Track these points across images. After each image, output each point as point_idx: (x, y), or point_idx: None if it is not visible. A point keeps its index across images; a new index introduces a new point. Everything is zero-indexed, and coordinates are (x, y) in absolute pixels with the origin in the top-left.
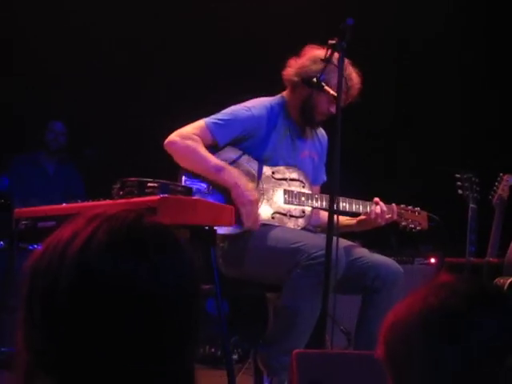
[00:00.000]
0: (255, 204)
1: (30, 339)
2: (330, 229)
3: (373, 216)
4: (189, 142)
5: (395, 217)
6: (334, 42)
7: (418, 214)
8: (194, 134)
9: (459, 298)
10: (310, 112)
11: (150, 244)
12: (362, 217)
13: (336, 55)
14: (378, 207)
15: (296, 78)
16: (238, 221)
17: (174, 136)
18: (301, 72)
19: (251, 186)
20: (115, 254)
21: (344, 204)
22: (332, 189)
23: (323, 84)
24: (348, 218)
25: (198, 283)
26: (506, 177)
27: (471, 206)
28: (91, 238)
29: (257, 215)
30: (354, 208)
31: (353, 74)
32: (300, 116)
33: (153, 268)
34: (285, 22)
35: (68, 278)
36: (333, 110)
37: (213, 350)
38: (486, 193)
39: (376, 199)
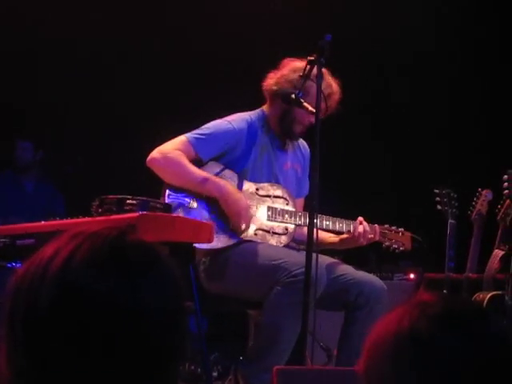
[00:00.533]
0: (248, 211)
1: (12, 358)
2: (310, 246)
3: (356, 235)
4: (171, 156)
5: (377, 237)
6: (312, 58)
7: (402, 234)
8: (177, 149)
9: (429, 321)
10: (290, 124)
11: (133, 261)
12: (345, 235)
13: (315, 71)
14: (361, 226)
15: (275, 89)
16: (230, 230)
17: (155, 153)
18: (280, 82)
19: (239, 193)
20: (97, 272)
21: (327, 222)
22: (311, 205)
23: (301, 100)
24: (332, 235)
25: (181, 300)
26: (484, 192)
27: (450, 221)
28: (73, 255)
29: (249, 221)
30: (337, 227)
31: (332, 84)
32: (280, 128)
33: (135, 285)
34: (265, 38)
35: (49, 295)
36: (313, 120)
37: (193, 367)
38: (466, 208)
39: (360, 218)
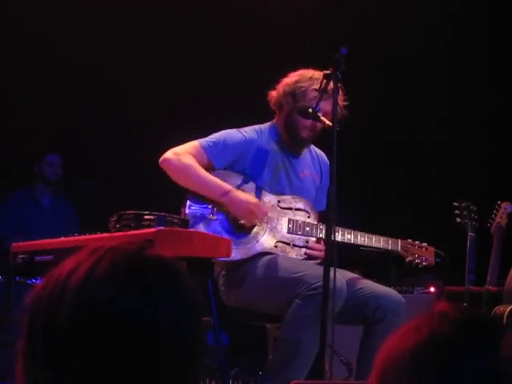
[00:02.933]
0: (259, 204)
1: (30, 369)
2: (328, 259)
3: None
4: (184, 159)
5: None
6: (328, 72)
7: (426, 249)
8: (190, 153)
9: (450, 324)
10: (295, 129)
11: (151, 276)
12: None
13: (331, 85)
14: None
15: (279, 97)
16: (249, 242)
17: (169, 154)
18: (285, 89)
19: (248, 195)
20: (116, 286)
21: (349, 236)
22: (328, 219)
23: (319, 114)
24: None
25: (199, 316)
26: (503, 204)
27: (470, 234)
28: (93, 269)
29: (263, 215)
30: (358, 240)
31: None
32: (288, 136)
33: (153, 300)
34: (276, 49)
35: (69, 308)
36: (317, 124)
37: (213, 382)
38: (485, 220)
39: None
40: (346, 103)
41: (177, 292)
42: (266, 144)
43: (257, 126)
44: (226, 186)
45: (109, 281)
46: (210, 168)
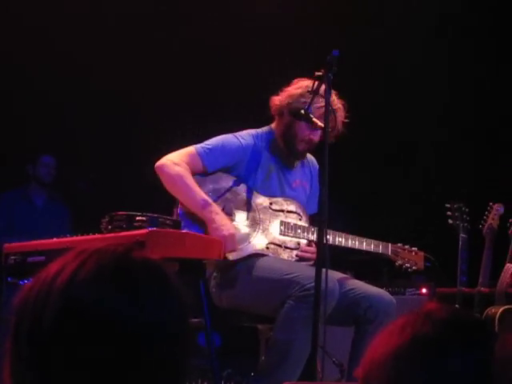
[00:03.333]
0: (230, 238)
1: (15, 371)
2: (320, 260)
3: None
4: (178, 169)
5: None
6: (320, 73)
7: (415, 254)
8: (185, 161)
9: (433, 324)
10: (292, 141)
11: (138, 278)
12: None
13: (323, 87)
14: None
15: (282, 106)
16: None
17: (165, 160)
18: (288, 101)
19: (228, 222)
20: (101, 288)
21: (340, 239)
22: (320, 221)
23: (311, 116)
24: None
25: (186, 318)
26: (495, 206)
27: (461, 235)
28: (78, 270)
29: (233, 247)
30: (349, 243)
31: (339, 107)
32: (284, 145)
33: (140, 302)
34: (274, 55)
35: (53, 310)
36: (314, 137)
37: (205, 383)
38: (477, 222)
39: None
40: (346, 120)
41: (164, 294)
42: (261, 149)
43: (253, 131)
44: (210, 205)
45: (94, 282)
46: (204, 172)
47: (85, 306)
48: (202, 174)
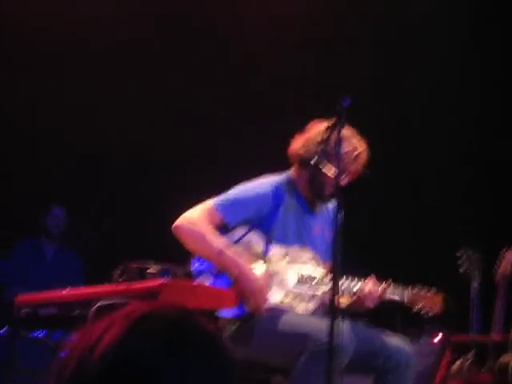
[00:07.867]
0: (264, 292)
1: None
2: (332, 312)
3: (362, 296)
4: (196, 229)
5: (381, 297)
6: (332, 122)
7: (433, 297)
8: (202, 218)
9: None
10: (320, 186)
11: (193, 346)
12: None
13: (343, 131)
14: (367, 287)
15: (301, 154)
16: (243, 305)
17: (182, 221)
18: (306, 146)
19: (254, 273)
20: (151, 357)
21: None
22: (334, 271)
23: (320, 167)
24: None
25: None
26: (507, 254)
27: (473, 284)
28: (127, 333)
29: (265, 302)
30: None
31: (362, 151)
32: (310, 191)
33: (189, 369)
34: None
35: (95, 368)
36: (342, 181)
37: None
38: (491, 267)
39: (372, 277)
40: (365, 156)
41: (216, 364)
42: (281, 197)
43: (272, 181)
44: (238, 262)
45: (143, 349)
46: (224, 227)
47: (128, 370)
48: (223, 228)
